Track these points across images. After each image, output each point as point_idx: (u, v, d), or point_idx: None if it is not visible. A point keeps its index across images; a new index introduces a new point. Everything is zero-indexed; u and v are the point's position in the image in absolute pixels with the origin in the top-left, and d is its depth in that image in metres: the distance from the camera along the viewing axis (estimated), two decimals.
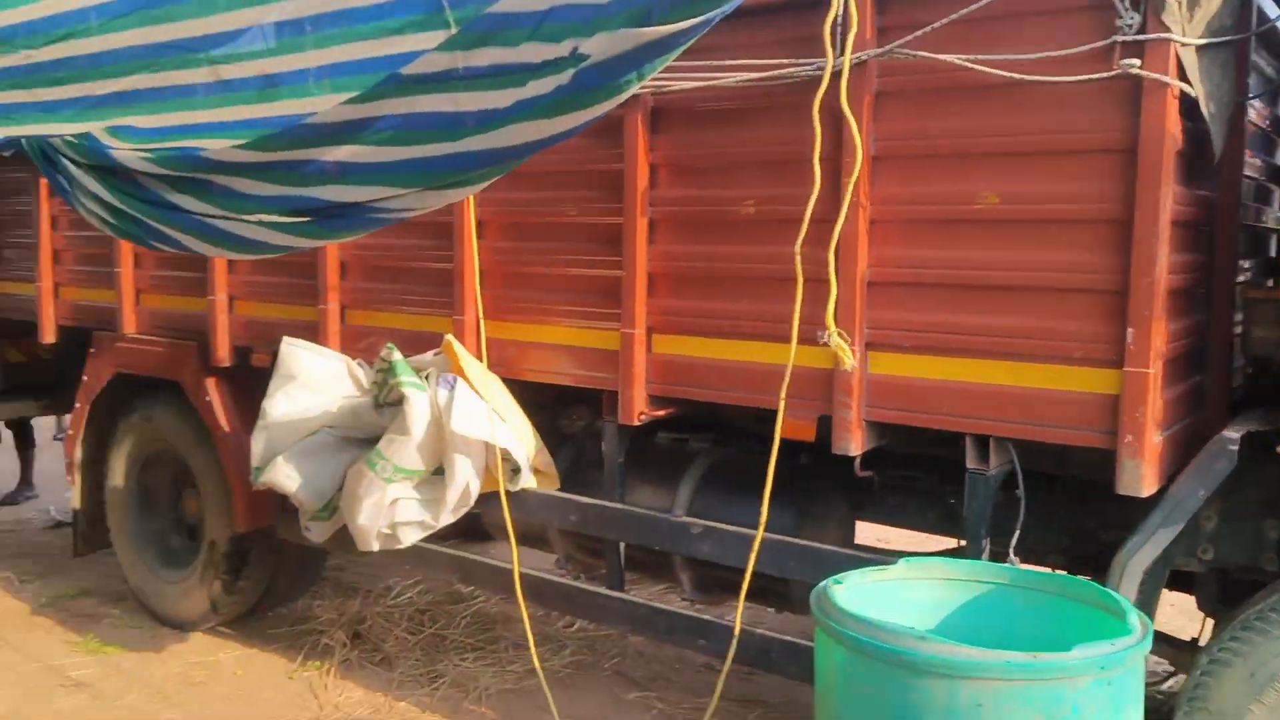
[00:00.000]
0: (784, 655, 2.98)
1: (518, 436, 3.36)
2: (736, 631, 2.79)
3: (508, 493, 3.33)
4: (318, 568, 4.92)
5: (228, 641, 4.52)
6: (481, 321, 3.25)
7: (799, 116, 2.80)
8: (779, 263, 2.86)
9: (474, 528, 3.89)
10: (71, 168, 3.76)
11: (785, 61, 2.76)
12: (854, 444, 2.76)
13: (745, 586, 2.65)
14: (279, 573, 4.63)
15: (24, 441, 7.17)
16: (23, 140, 3.92)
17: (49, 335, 5.17)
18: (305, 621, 4.66)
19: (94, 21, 3.61)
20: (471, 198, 3.29)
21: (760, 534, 2.64)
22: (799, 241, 2.41)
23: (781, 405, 2.54)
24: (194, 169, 3.33)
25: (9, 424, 7.03)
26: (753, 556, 2.66)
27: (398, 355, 3.32)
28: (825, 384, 2.77)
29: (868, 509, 3.55)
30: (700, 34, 2.16)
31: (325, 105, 3.02)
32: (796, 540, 2.94)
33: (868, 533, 3.81)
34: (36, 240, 5.10)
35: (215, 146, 3.32)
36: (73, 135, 3.73)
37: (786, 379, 2.51)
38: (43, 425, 7.57)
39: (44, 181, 5.00)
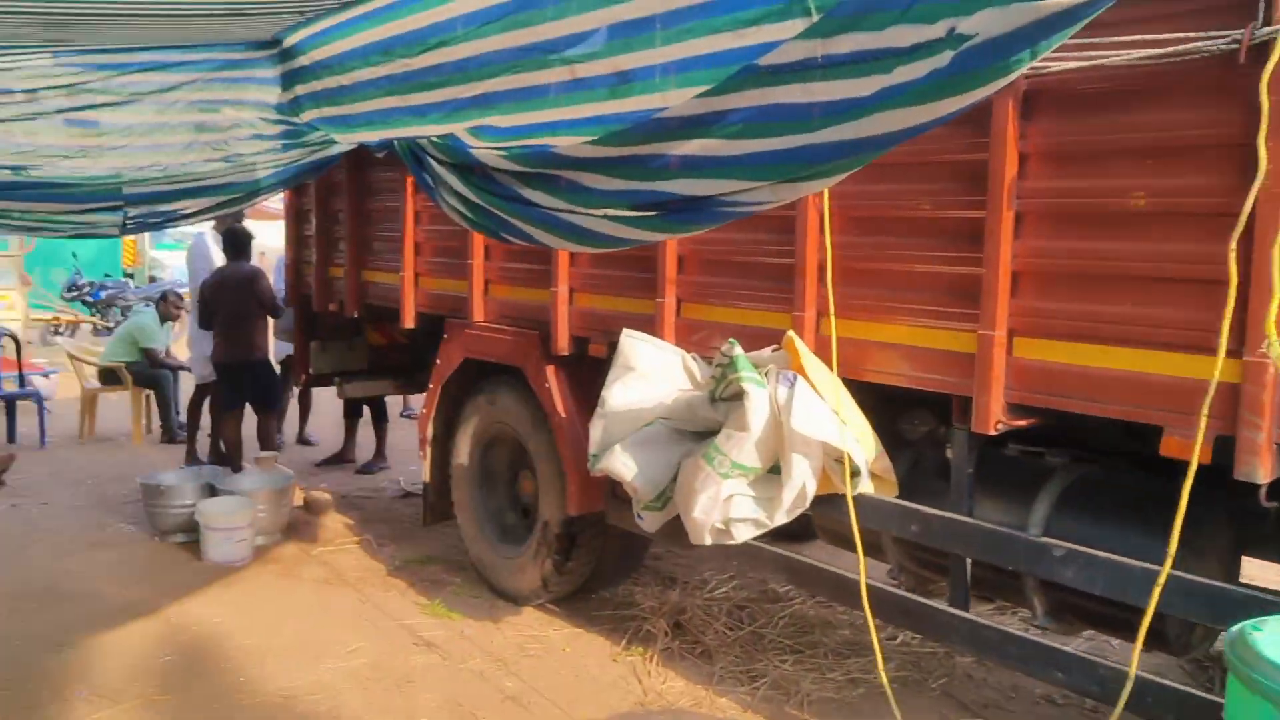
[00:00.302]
0: (1161, 701, 2.65)
1: (857, 438, 3.24)
2: (1132, 673, 2.50)
3: (853, 498, 3.21)
4: (639, 555, 5.04)
5: (556, 619, 4.73)
6: (833, 319, 3.15)
7: (1204, 98, 2.50)
8: (1172, 261, 2.57)
9: (788, 529, 3.81)
10: (436, 166, 4.03)
11: (1194, 35, 2.44)
12: (1262, 470, 2.40)
13: (1145, 625, 2.36)
14: (604, 557, 4.79)
15: (379, 417, 7.93)
16: (395, 142, 4.27)
17: (409, 321, 5.64)
18: (627, 607, 4.79)
19: (460, 30, 3.85)
20: (825, 191, 3.20)
21: (1167, 568, 2.34)
22: (1234, 238, 2.11)
23: (1202, 423, 2.23)
24: (545, 165, 3.46)
25: (367, 401, 7.80)
26: (1156, 591, 2.36)
27: (739, 350, 3.29)
28: (1228, 400, 2.43)
29: (1258, 544, 3.11)
30: (1111, 3, 1.93)
31: (676, 100, 3.03)
32: (1185, 575, 2.60)
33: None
34: (401, 234, 5.59)
35: (566, 143, 3.43)
36: (438, 136, 4.01)
37: (1210, 394, 2.21)
38: (392, 403, 8.35)
39: (410, 180, 5.46)
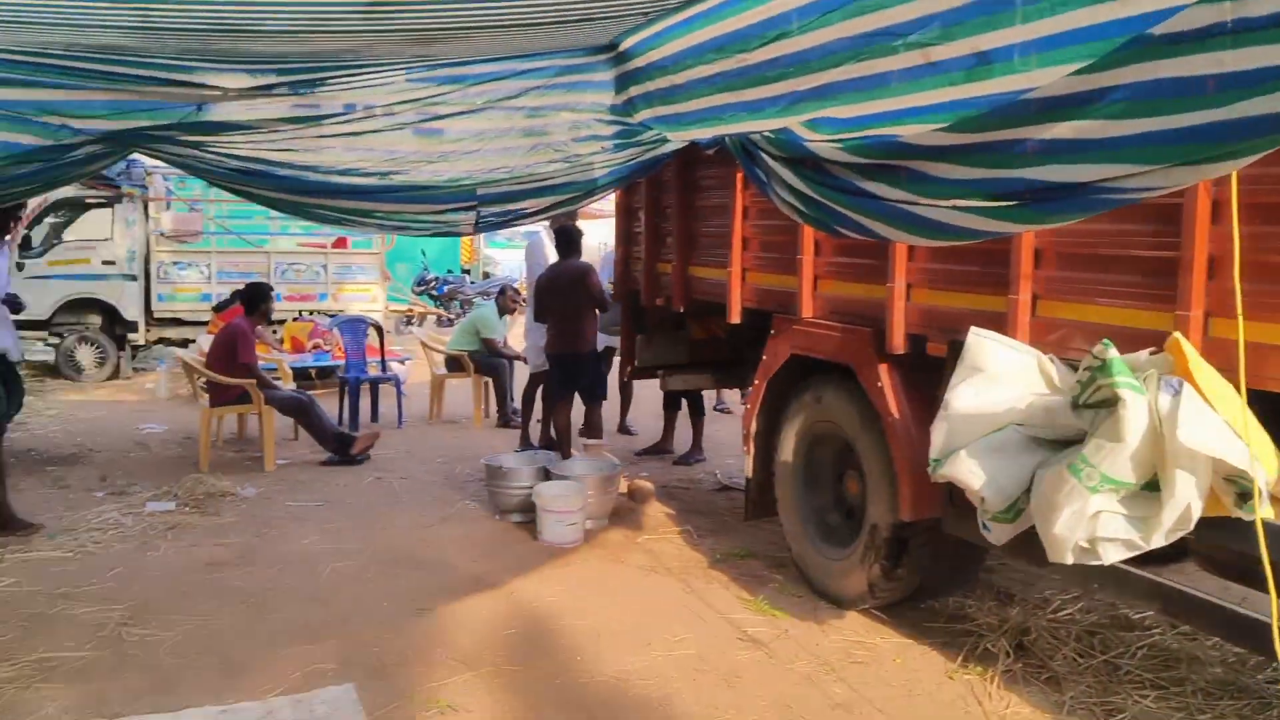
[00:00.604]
0: None
1: (1257, 455, 2.83)
2: None
3: (1261, 523, 2.81)
4: (973, 567, 4.77)
5: (883, 626, 4.57)
6: (1240, 320, 2.78)
7: None
8: None
9: (1157, 551, 3.40)
10: (768, 160, 3.99)
11: None
12: None
13: None
14: (936, 566, 4.57)
15: (696, 410, 8.08)
16: (726, 138, 4.28)
17: (735, 316, 5.66)
18: (960, 621, 4.53)
19: (795, 23, 3.79)
20: (1234, 174, 2.83)
21: None
22: None
23: None
24: (887, 155, 3.32)
25: (685, 394, 7.97)
26: None
27: (1113, 352, 2.98)
28: None
29: None
30: None
31: (1044, 79, 2.80)
32: None
33: None
34: (729, 230, 5.62)
35: (912, 131, 3.27)
36: (771, 131, 3.97)
37: None
38: (707, 395, 8.49)
39: (739, 175, 5.48)
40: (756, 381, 5.39)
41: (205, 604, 4.78)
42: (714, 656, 4.24)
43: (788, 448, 5.20)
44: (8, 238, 6.15)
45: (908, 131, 3.29)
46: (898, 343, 4.30)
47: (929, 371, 4.16)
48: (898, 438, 4.29)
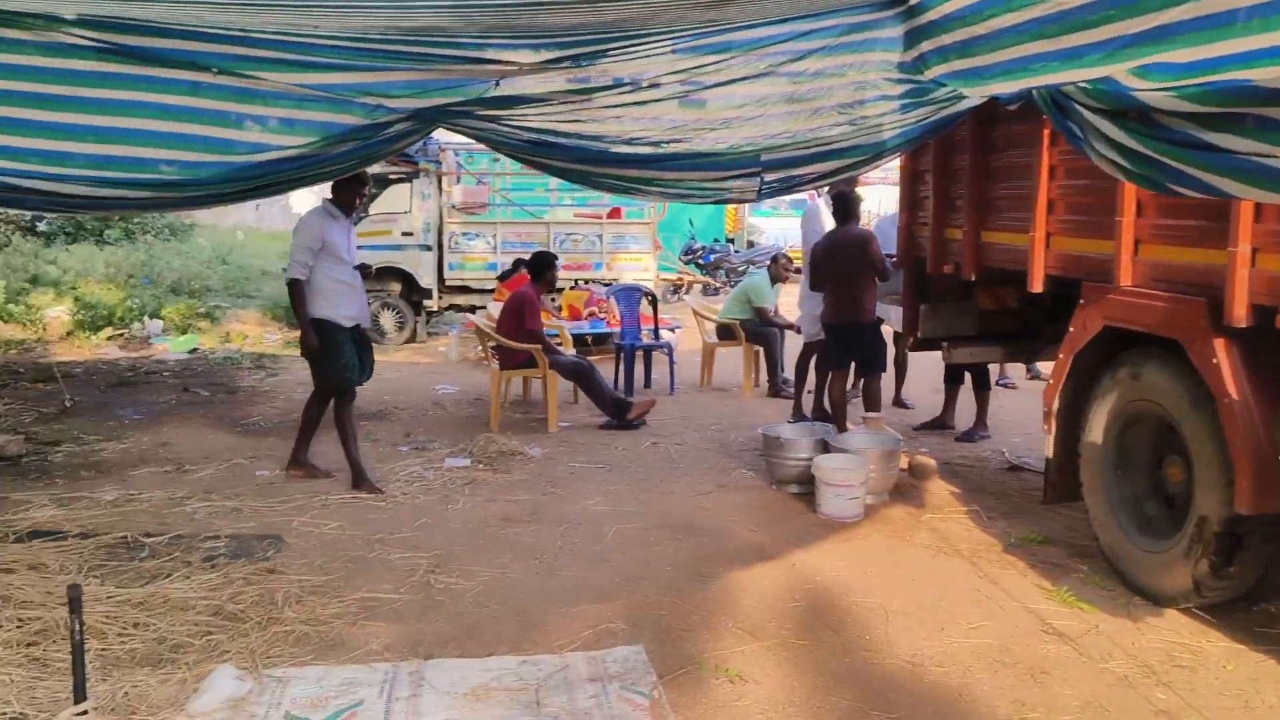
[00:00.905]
0: None
1: None
2: None
3: None
4: None
5: (1208, 628, 4.12)
6: None
7: None
8: None
9: None
10: (1085, 114, 3.64)
11: None
12: None
13: None
14: (1274, 565, 4.06)
15: (980, 384, 7.65)
16: (1034, 91, 3.94)
17: (1037, 285, 5.26)
18: None
19: None
20: None
21: None
22: None
23: None
24: (1237, 103, 2.93)
25: (969, 367, 7.56)
26: None
27: None
28: None
29: None
30: None
31: None
32: None
33: None
34: (1031, 191, 5.22)
35: (1270, 75, 2.86)
36: (1087, 81, 3.61)
37: None
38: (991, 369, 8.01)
39: (1046, 133, 5.08)
40: (1060, 355, 4.99)
41: (501, 557, 5.04)
42: (1016, 648, 3.98)
43: (1096, 428, 4.79)
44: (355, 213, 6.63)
45: (1263, 75, 2.89)
46: (1239, 315, 3.82)
47: (1277, 347, 3.67)
48: (1236, 422, 3.82)
